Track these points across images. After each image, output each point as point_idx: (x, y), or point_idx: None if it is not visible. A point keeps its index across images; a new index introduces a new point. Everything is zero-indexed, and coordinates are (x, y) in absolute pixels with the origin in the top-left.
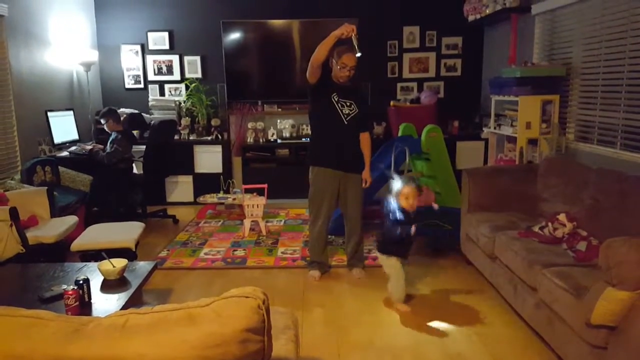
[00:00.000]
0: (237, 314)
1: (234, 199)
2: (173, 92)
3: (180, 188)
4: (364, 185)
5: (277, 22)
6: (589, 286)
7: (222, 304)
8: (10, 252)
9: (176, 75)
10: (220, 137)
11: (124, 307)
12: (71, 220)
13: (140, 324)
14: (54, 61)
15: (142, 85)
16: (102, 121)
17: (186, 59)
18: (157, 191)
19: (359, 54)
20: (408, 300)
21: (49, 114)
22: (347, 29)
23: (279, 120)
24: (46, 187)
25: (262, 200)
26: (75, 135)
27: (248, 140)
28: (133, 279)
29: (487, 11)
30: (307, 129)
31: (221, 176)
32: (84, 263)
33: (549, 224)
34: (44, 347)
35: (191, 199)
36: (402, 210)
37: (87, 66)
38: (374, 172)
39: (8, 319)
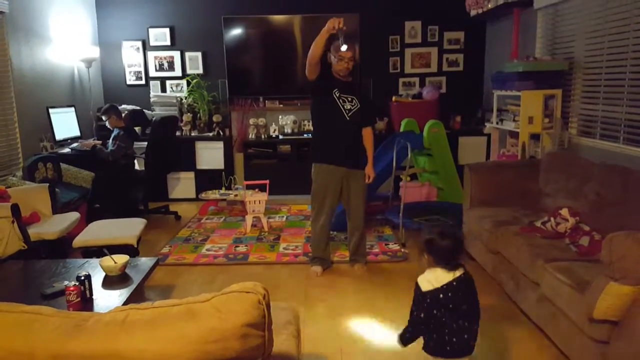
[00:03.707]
0: (237, 309)
1: (236, 195)
2: (174, 89)
3: (182, 184)
4: (367, 180)
5: (278, 18)
6: (591, 281)
7: (223, 300)
8: (12, 248)
9: (177, 72)
10: (221, 133)
11: (126, 303)
12: (73, 216)
13: (141, 320)
14: (55, 58)
15: (143, 82)
16: (104, 118)
17: (187, 55)
18: (159, 187)
19: (344, 47)
20: None
21: (50, 110)
22: (334, 23)
23: (280, 116)
24: (48, 184)
25: (263, 197)
26: (76, 132)
27: (250, 137)
28: (135, 275)
29: (489, 5)
30: (308, 125)
31: (223, 172)
32: (86, 259)
33: (552, 218)
34: (44, 343)
35: (193, 195)
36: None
37: (88, 62)
38: (377, 168)
39: (9, 315)
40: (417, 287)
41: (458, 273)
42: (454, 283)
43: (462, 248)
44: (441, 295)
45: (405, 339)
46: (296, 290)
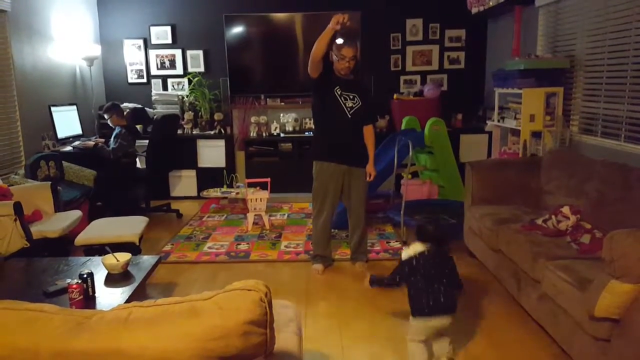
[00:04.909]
0: (239, 306)
1: (237, 193)
2: (176, 87)
3: (184, 182)
4: (368, 178)
5: (280, 16)
6: (592, 279)
7: (225, 297)
8: (14, 246)
9: (179, 70)
10: (223, 131)
11: (128, 301)
12: (75, 214)
13: (143, 317)
14: (57, 56)
15: (145, 80)
16: (106, 116)
17: (189, 53)
18: (161, 186)
19: (340, 40)
20: None
21: (52, 108)
22: (338, 19)
23: (282, 114)
24: (50, 182)
25: (265, 194)
26: (78, 130)
27: (251, 135)
28: (137, 273)
29: (491, 3)
30: (310, 123)
31: (224, 170)
32: (88, 257)
33: (553, 216)
34: (48, 340)
35: (195, 193)
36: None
37: (90, 61)
38: (378, 165)
39: (12, 313)
40: (400, 257)
41: (429, 246)
42: (425, 252)
43: (443, 238)
44: (414, 262)
45: (378, 281)
46: (297, 288)
